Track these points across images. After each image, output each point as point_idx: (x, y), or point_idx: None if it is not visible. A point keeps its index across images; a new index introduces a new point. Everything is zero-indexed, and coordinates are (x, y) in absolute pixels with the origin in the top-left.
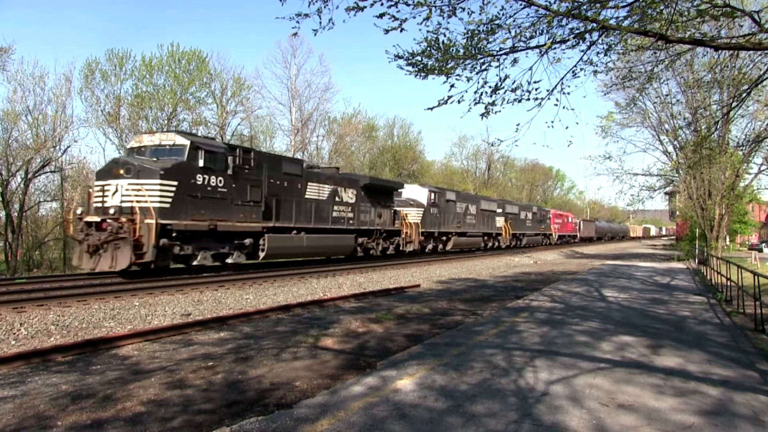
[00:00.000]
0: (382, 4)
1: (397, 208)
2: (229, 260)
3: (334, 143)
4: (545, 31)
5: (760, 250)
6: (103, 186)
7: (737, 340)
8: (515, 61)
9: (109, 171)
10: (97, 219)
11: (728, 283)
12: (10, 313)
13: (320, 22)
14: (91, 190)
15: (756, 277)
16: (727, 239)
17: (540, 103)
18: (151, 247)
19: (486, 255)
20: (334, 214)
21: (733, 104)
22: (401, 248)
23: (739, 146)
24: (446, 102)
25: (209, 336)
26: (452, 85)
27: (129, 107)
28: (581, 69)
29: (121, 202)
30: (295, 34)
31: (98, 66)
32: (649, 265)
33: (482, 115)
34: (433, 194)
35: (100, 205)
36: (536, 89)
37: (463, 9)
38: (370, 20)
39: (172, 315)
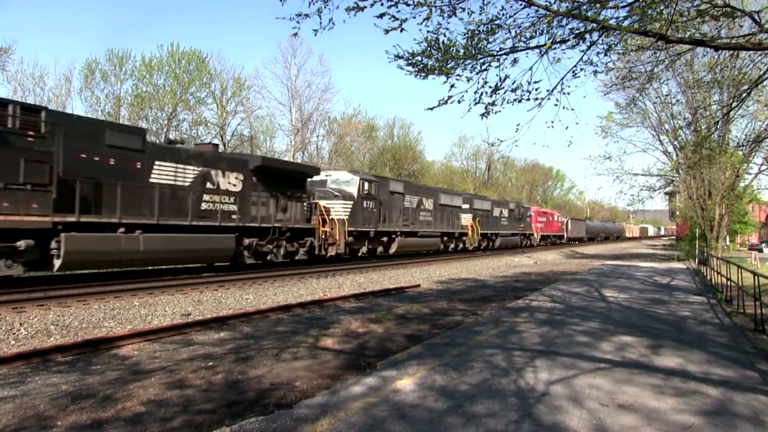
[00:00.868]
0: (382, 4)
1: (320, 201)
2: None
3: (334, 143)
4: (545, 31)
5: (760, 250)
6: None
7: (737, 341)
8: (515, 61)
9: None
10: None
11: (728, 283)
12: (10, 313)
13: (320, 23)
14: None
15: (756, 277)
16: (727, 239)
17: (540, 103)
18: None
19: (486, 255)
20: (204, 206)
21: (733, 104)
22: (320, 252)
23: (739, 146)
24: (446, 102)
25: (209, 336)
26: (452, 85)
27: (129, 107)
28: (581, 69)
29: None
30: (295, 35)
31: (98, 66)
32: (649, 266)
33: (482, 115)
34: (366, 184)
35: None
36: (536, 89)
37: (463, 9)
38: (371, 20)
39: (172, 315)
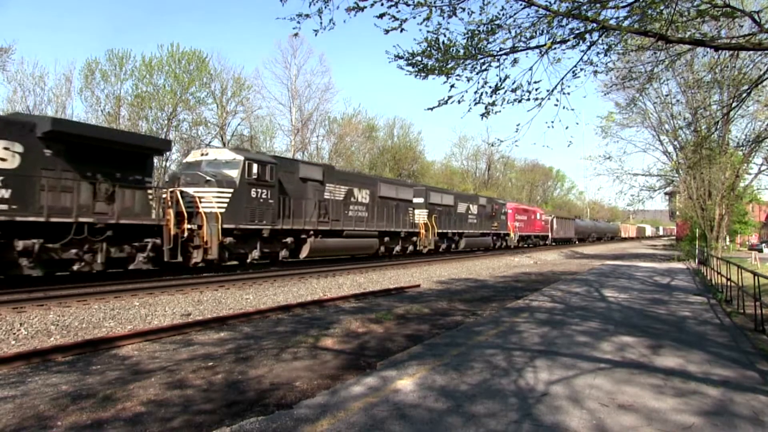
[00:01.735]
0: (382, 5)
1: (185, 189)
2: None
3: (334, 143)
4: (545, 31)
5: (760, 251)
6: None
7: (737, 341)
8: (515, 61)
9: None
10: None
11: (728, 283)
12: (10, 313)
13: (321, 23)
14: None
15: (756, 278)
16: (727, 239)
17: (540, 104)
18: None
19: (486, 255)
20: None
21: (733, 104)
22: (175, 257)
23: (739, 146)
24: (446, 102)
25: (209, 336)
26: (452, 86)
27: (129, 107)
28: (581, 69)
29: None
30: (295, 35)
31: (98, 66)
32: (649, 266)
33: (482, 115)
34: (256, 166)
35: None
36: (536, 89)
37: (464, 9)
38: (371, 20)
39: (172, 315)
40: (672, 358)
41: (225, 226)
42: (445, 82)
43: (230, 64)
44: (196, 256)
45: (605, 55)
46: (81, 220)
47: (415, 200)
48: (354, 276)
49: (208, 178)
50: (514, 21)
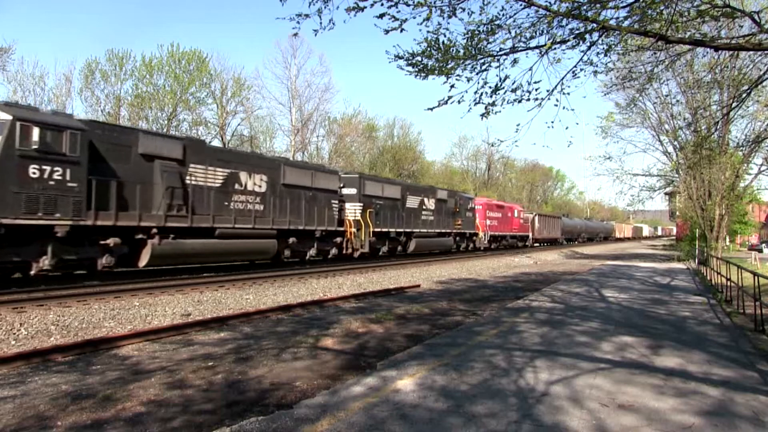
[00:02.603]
0: (382, 5)
1: None
2: None
3: (334, 143)
4: (545, 31)
5: (760, 251)
6: None
7: (737, 341)
8: (515, 61)
9: None
10: None
11: (728, 283)
12: (10, 313)
13: (320, 23)
14: None
15: (756, 278)
16: (727, 239)
17: (540, 104)
18: None
19: (486, 255)
20: None
21: (733, 105)
22: None
23: (739, 146)
24: (446, 102)
25: (209, 336)
26: (452, 86)
27: (129, 107)
28: (581, 69)
29: None
30: (295, 35)
31: (98, 66)
32: (649, 266)
33: (482, 115)
34: (36, 131)
35: None
36: (536, 89)
37: (463, 9)
38: (371, 21)
39: (172, 315)
40: (672, 358)
41: None
42: (445, 83)
43: (230, 64)
44: None
45: (605, 55)
46: None
47: (346, 191)
48: (354, 276)
49: None
50: (514, 21)
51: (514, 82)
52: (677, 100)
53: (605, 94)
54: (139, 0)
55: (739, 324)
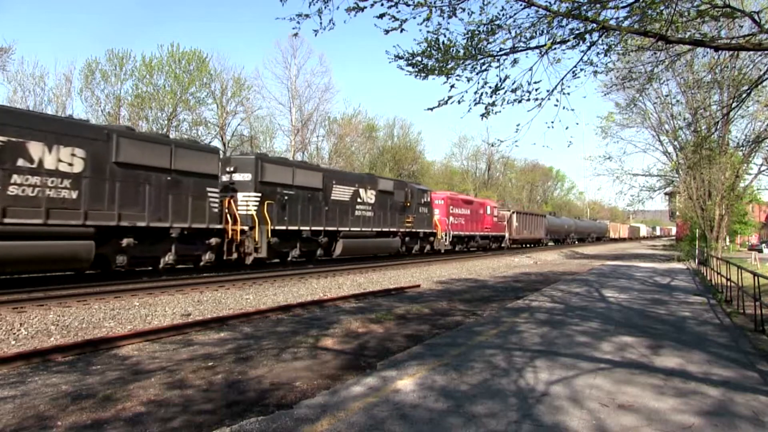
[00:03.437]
0: (382, 5)
1: None
2: None
3: (334, 143)
4: (545, 31)
5: (760, 251)
6: None
7: (737, 341)
8: (515, 61)
9: None
10: None
11: (728, 283)
12: (10, 313)
13: (320, 23)
14: None
15: (756, 278)
16: (727, 240)
17: (540, 104)
18: None
19: (486, 255)
20: None
21: (733, 105)
22: None
23: (739, 147)
24: (446, 102)
25: (209, 336)
26: (452, 86)
27: (129, 107)
28: (581, 69)
29: None
30: (295, 35)
31: (98, 66)
32: (649, 266)
33: (482, 115)
34: None
35: None
36: (536, 90)
37: (464, 9)
38: (371, 21)
39: (172, 315)
40: (672, 358)
41: None
42: (445, 83)
43: (230, 64)
44: None
45: (605, 55)
46: None
47: (238, 177)
48: (354, 276)
49: None
50: (514, 21)
51: (514, 82)
52: (677, 100)
53: (605, 94)
54: (139, 0)
55: (739, 324)
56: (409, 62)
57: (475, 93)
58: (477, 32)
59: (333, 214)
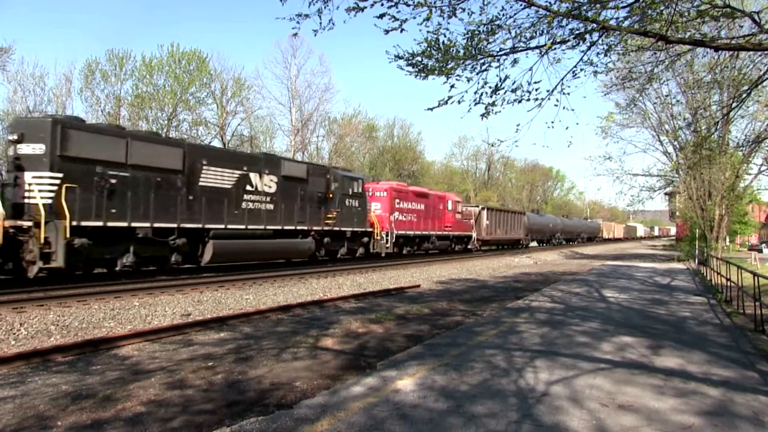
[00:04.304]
0: (382, 5)
1: None
2: None
3: (334, 143)
4: (545, 31)
5: (760, 251)
6: None
7: (737, 341)
8: (515, 61)
9: None
10: None
11: (728, 283)
12: (10, 313)
13: (320, 23)
14: None
15: (756, 278)
16: (727, 240)
17: (540, 104)
18: None
19: (486, 256)
20: None
21: (733, 105)
22: None
23: (739, 147)
24: (446, 102)
25: (209, 336)
26: (452, 86)
27: (129, 107)
28: (581, 69)
29: None
30: (295, 35)
31: (98, 66)
32: (650, 266)
33: (482, 115)
34: None
35: None
36: (536, 90)
37: (464, 9)
38: (371, 21)
39: (172, 315)
40: (672, 358)
41: None
42: (445, 83)
43: (230, 64)
44: None
45: (605, 55)
46: None
47: (25, 149)
48: (354, 276)
49: None
50: (514, 21)
51: (514, 82)
52: (677, 101)
53: (605, 94)
54: (139, 0)
55: (739, 324)
56: (409, 62)
57: (475, 93)
58: (477, 32)
59: (200, 206)
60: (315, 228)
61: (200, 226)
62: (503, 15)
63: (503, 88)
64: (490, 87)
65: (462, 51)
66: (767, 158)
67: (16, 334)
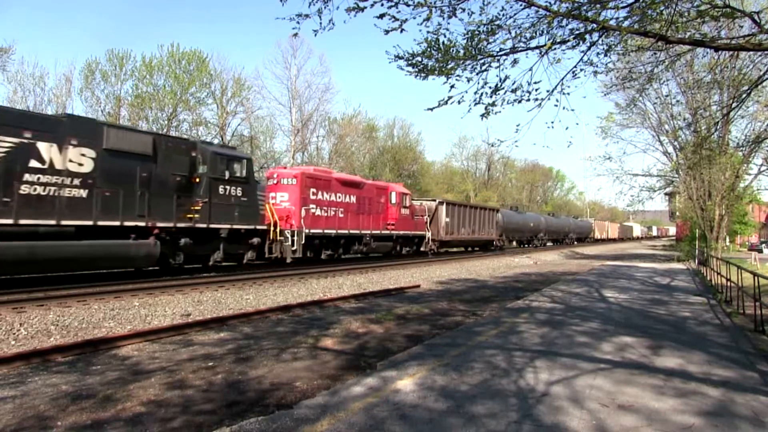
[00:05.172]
0: (382, 5)
1: None
2: None
3: (334, 144)
4: (545, 31)
5: (760, 251)
6: None
7: (737, 341)
8: (515, 61)
9: None
10: None
11: (728, 283)
12: (10, 313)
13: (320, 23)
14: None
15: (756, 278)
16: (727, 240)
17: (540, 104)
18: None
19: (486, 256)
20: None
21: (733, 105)
22: None
23: (739, 147)
24: (446, 102)
25: (209, 336)
26: (452, 86)
27: (129, 107)
28: (581, 70)
29: None
30: (295, 35)
31: (98, 66)
32: (649, 266)
33: (482, 115)
34: None
35: None
36: (536, 90)
37: (464, 10)
38: (371, 21)
39: (172, 315)
40: (672, 358)
41: None
42: (445, 83)
43: (230, 64)
44: None
45: (605, 55)
46: None
47: None
48: (354, 276)
49: None
50: (514, 21)
51: (514, 82)
52: (677, 101)
53: (605, 95)
54: (139, 0)
55: (739, 324)
56: (409, 62)
57: (475, 93)
58: (477, 32)
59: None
60: (162, 224)
61: None
62: (503, 15)
63: (503, 89)
64: (490, 87)
65: (462, 51)
66: (767, 158)
67: (16, 334)
